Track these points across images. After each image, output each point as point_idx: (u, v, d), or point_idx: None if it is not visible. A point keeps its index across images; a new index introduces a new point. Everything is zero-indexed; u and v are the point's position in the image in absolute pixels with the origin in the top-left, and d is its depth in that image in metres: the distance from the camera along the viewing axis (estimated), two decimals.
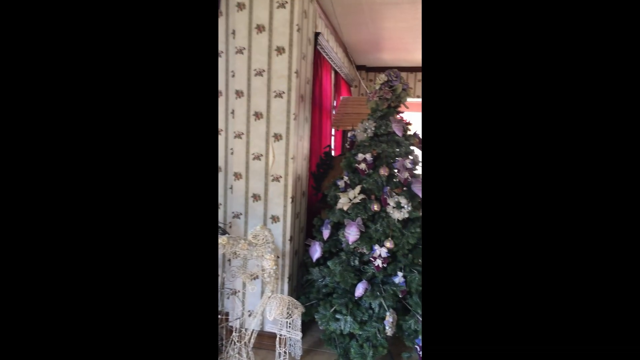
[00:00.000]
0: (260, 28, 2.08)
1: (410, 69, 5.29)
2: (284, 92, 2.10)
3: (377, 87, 2.15)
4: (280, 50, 2.08)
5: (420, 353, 1.96)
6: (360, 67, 5.41)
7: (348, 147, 2.37)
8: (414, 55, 4.63)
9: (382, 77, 2.13)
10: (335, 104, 3.93)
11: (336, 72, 4.01)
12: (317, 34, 2.71)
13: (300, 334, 1.99)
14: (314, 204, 2.77)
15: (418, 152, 2.31)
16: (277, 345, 1.97)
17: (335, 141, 4.07)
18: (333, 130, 3.97)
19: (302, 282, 2.34)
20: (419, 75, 5.31)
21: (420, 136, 2.31)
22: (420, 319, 1.97)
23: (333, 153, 3.85)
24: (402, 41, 4.07)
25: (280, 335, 1.96)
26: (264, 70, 2.11)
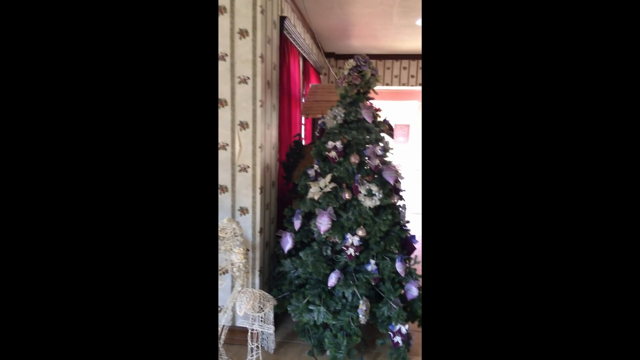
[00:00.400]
0: (221, 9, 1.96)
1: (380, 57, 5.28)
2: (248, 78, 2.00)
3: (346, 73, 2.10)
4: (243, 33, 1.97)
5: (394, 339, 1.97)
6: (329, 55, 5.33)
7: (318, 135, 2.31)
8: (382, 42, 4.61)
9: (350, 63, 2.07)
10: (304, 92, 3.84)
11: (305, 59, 3.92)
12: (283, 18, 2.61)
13: (272, 328, 1.95)
14: (285, 194, 2.70)
15: (388, 139, 2.29)
16: (249, 340, 1.92)
17: (305, 130, 4.00)
18: (303, 119, 3.90)
19: (274, 275, 2.29)
20: (388, 62, 5.31)
21: (391, 123, 2.29)
22: (394, 306, 1.98)
23: (304, 142, 3.79)
24: (370, 27, 4.03)
25: (252, 329, 1.90)
26: (226, 55, 1.99)
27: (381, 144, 2.14)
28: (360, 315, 1.91)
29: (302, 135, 3.84)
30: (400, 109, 10.12)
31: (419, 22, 3.76)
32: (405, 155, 9.00)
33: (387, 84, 5.35)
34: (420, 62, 5.22)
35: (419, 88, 5.38)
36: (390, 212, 2.06)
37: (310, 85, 3.69)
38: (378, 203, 1.99)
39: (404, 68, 5.29)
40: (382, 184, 2.06)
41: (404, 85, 5.32)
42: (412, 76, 5.28)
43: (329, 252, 2.06)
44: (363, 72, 2.08)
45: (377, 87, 2.22)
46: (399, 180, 2.16)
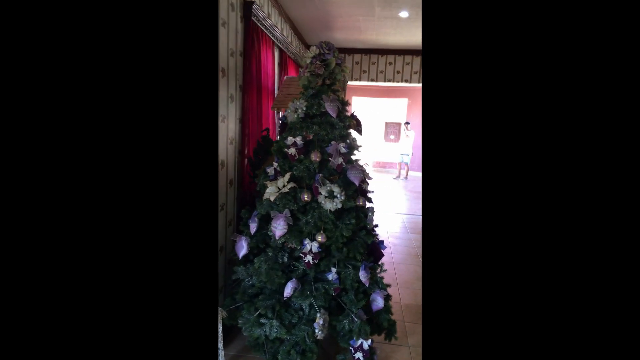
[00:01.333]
0: None
1: (364, 51, 5.09)
2: None
3: (308, 61, 1.90)
4: None
5: (355, 356, 1.79)
6: None
7: (279, 129, 2.12)
8: (366, 35, 4.42)
9: (313, 50, 1.88)
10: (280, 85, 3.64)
11: (282, 51, 3.71)
12: (250, 3, 2.40)
13: (219, 343, 1.76)
14: (252, 194, 2.51)
15: (356, 136, 2.10)
16: None
17: None
18: (281, 113, 3.69)
19: (229, 283, 2.10)
20: (373, 57, 5.13)
21: (358, 117, 2.10)
22: (356, 319, 1.80)
23: (278, 137, 3.58)
24: (352, 19, 3.83)
25: None
26: None
27: (347, 141, 1.95)
28: (317, 330, 1.73)
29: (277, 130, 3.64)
30: (391, 107, 9.97)
31: (402, 13, 3.58)
32: (397, 154, 8.84)
33: (372, 80, 5.17)
34: (405, 57, 5.04)
35: (406, 84, 5.20)
36: (354, 215, 1.88)
37: (285, 77, 3.48)
38: (339, 206, 1.80)
39: (390, 63, 5.10)
40: (346, 184, 1.88)
41: (389, 81, 5.14)
42: (398, 72, 5.10)
43: (285, 259, 1.87)
44: (327, 61, 1.88)
45: (363, 83, 2.03)
46: (366, 180, 1.98)
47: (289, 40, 3.89)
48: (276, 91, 3.55)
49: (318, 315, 1.75)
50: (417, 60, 5.01)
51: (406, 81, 5.09)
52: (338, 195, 1.80)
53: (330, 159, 1.86)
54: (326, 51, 1.88)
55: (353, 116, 2.04)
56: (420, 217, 4.72)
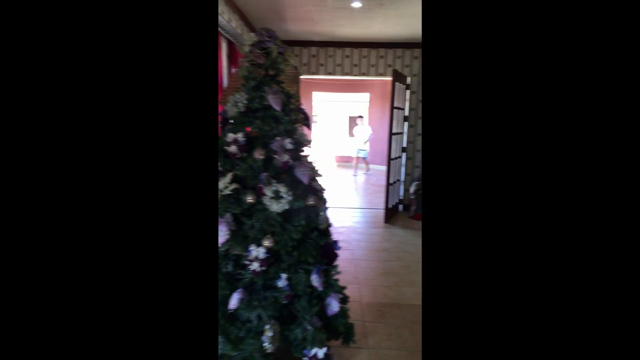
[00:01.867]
0: None
1: (321, 44, 4.96)
2: None
3: (247, 50, 1.73)
4: None
5: None
6: None
7: (221, 125, 1.94)
8: (320, 27, 4.29)
9: (251, 37, 1.71)
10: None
11: (231, 43, 3.50)
12: None
13: None
14: None
15: (307, 131, 1.97)
16: None
17: None
18: None
19: None
20: (330, 50, 5.01)
21: (306, 112, 1.96)
22: (308, 327, 1.67)
23: None
24: (304, 9, 3.68)
25: None
26: None
27: (295, 136, 1.81)
28: (265, 343, 1.59)
29: None
30: (354, 102, 9.96)
31: (354, 4, 3.48)
32: (355, 149, 8.82)
33: (330, 73, 5.05)
34: (362, 50, 4.97)
35: (364, 78, 5.14)
36: (304, 217, 1.75)
37: (232, 70, 3.28)
38: (287, 207, 1.66)
39: (347, 56, 5.01)
40: (294, 183, 1.74)
41: (347, 74, 5.05)
42: (355, 65, 5.02)
43: (229, 267, 1.71)
44: (268, 49, 1.73)
45: (320, 77, 1.88)
46: (316, 178, 1.85)
47: (239, 31, 3.68)
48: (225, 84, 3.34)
49: (267, 326, 1.61)
50: (374, 53, 4.96)
51: (364, 74, 5.03)
52: (285, 196, 1.66)
53: (275, 156, 1.72)
54: (266, 38, 1.72)
55: (300, 110, 1.90)
56: (382, 210, 4.70)
